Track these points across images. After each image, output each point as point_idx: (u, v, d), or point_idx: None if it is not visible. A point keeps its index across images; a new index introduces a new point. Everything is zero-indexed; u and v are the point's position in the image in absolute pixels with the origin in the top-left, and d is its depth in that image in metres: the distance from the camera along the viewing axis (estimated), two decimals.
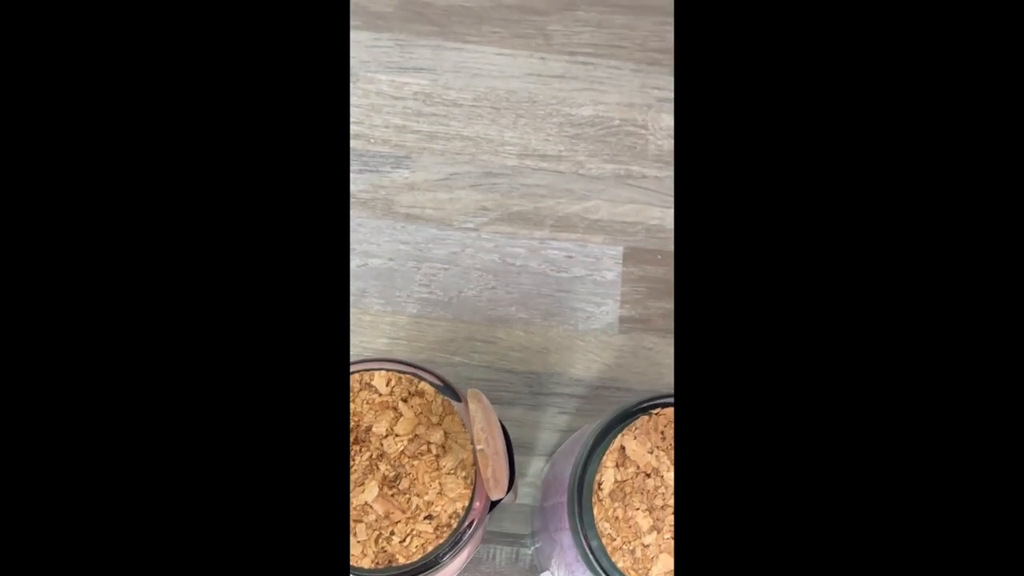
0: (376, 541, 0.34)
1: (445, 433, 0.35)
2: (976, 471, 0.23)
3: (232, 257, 0.24)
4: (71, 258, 0.24)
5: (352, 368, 0.35)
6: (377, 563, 0.33)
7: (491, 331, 0.48)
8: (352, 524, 0.34)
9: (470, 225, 0.49)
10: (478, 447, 0.33)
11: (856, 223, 0.24)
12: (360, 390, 0.35)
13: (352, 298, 0.48)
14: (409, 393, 0.35)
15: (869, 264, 0.24)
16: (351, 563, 0.33)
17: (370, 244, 0.49)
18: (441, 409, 0.35)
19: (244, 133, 0.24)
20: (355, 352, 0.47)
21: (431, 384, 0.35)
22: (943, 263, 0.24)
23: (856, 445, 0.24)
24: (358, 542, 0.33)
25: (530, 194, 0.50)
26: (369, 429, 0.35)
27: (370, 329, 0.48)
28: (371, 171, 0.50)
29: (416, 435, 0.35)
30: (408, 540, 0.34)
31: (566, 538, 0.37)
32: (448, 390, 0.35)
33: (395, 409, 0.35)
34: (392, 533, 0.34)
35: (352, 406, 0.35)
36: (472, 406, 0.34)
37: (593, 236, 0.50)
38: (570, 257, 0.49)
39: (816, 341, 0.24)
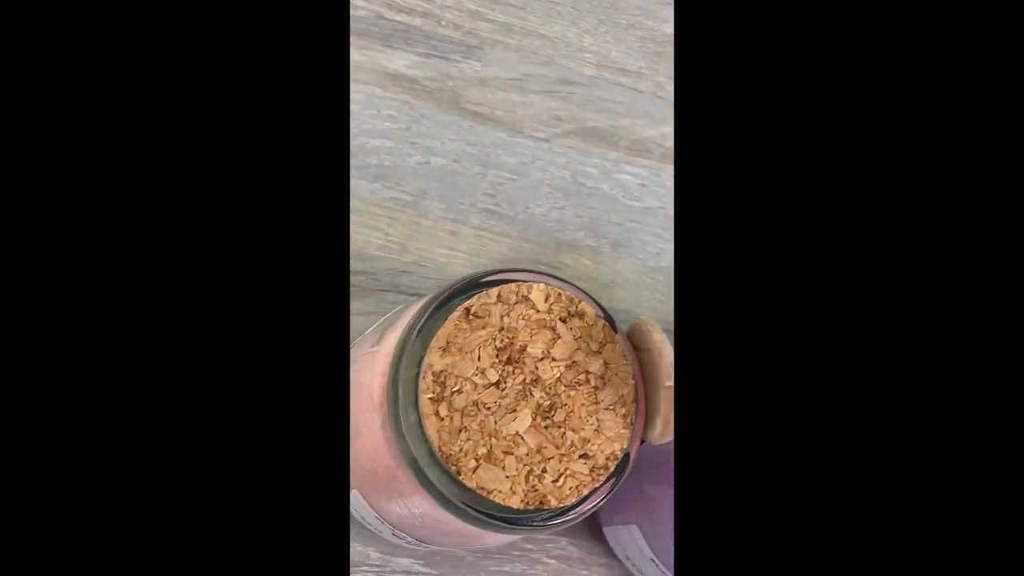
0: (527, 478, 0.29)
1: (605, 363, 0.30)
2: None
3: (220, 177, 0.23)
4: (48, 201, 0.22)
5: (507, 276, 0.30)
6: (527, 503, 0.29)
7: (557, 255, 0.43)
8: (501, 455, 0.29)
9: (541, 135, 0.44)
10: (667, 383, 0.29)
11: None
12: (516, 303, 0.30)
13: (411, 199, 0.42)
14: (569, 313, 0.30)
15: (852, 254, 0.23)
16: (499, 501, 0.29)
17: (433, 140, 0.43)
18: (602, 335, 0.30)
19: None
20: (410, 260, 0.42)
21: (591, 307, 0.31)
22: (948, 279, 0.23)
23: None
24: (507, 477, 0.29)
25: (606, 110, 0.45)
26: (524, 349, 0.30)
27: (428, 236, 0.42)
28: (439, 57, 0.44)
29: (574, 361, 0.30)
30: (562, 480, 0.29)
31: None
32: (607, 316, 0.31)
33: (553, 329, 0.30)
34: (544, 471, 0.29)
35: (506, 320, 0.30)
36: (658, 336, 0.29)
37: (668, 166, 0.46)
38: (643, 185, 0.45)
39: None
